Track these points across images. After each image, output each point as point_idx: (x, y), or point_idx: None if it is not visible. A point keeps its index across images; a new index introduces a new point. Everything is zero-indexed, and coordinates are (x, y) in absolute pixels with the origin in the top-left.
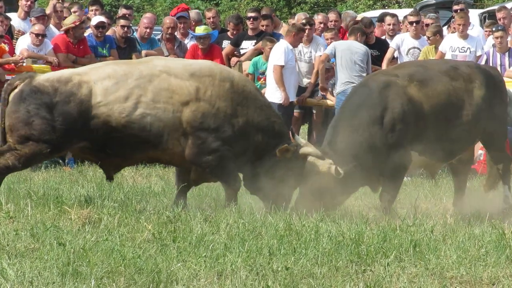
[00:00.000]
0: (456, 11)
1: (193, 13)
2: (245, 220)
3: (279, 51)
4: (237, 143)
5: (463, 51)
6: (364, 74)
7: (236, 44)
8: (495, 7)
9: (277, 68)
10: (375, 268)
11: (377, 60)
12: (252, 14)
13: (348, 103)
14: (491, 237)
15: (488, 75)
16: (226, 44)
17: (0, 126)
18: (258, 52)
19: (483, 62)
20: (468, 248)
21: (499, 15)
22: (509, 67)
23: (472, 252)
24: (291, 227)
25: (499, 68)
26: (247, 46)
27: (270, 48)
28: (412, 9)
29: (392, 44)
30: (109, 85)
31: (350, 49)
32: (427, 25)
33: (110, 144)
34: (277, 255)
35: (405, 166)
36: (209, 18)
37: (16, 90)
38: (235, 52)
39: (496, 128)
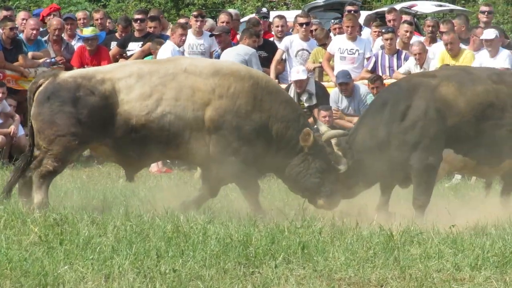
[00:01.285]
0: (350, 11)
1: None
2: (132, 222)
3: (166, 54)
4: (260, 138)
5: (351, 53)
6: None
7: (123, 45)
8: (384, 9)
9: None
10: (263, 270)
11: (266, 62)
12: (139, 16)
13: (375, 100)
14: (379, 239)
15: None
16: (114, 46)
17: (29, 127)
18: (145, 54)
19: (371, 64)
20: (356, 250)
21: (388, 17)
22: (398, 69)
23: (360, 254)
24: (178, 229)
25: (387, 71)
26: (134, 48)
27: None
28: (300, 11)
29: (281, 45)
30: (132, 83)
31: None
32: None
33: (132, 144)
34: (165, 257)
35: (432, 166)
36: (97, 20)
37: (41, 89)
38: (123, 54)
39: None
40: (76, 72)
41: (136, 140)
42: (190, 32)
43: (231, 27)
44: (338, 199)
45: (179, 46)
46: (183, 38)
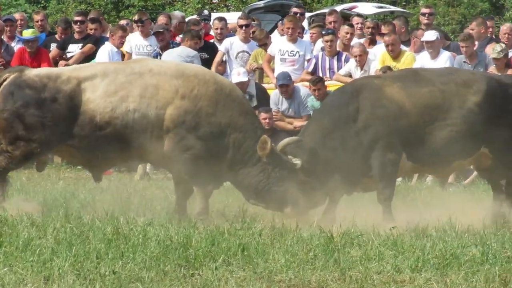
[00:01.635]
0: (296, 14)
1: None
2: (72, 224)
3: (104, 55)
4: (216, 143)
5: (292, 54)
6: None
7: (63, 47)
8: (324, 11)
9: None
10: (203, 272)
11: (206, 64)
12: (79, 18)
13: (322, 105)
14: (319, 241)
15: (494, 84)
16: (54, 48)
17: None
18: (86, 56)
19: (312, 66)
20: (296, 252)
21: (329, 18)
22: (338, 71)
23: (300, 256)
24: (118, 231)
25: (327, 72)
26: (74, 49)
27: None
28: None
29: (221, 47)
30: (97, 82)
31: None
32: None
33: (96, 143)
34: (104, 259)
35: (392, 161)
36: (37, 21)
37: (5, 84)
38: (63, 56)
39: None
40: (42, 71)
41: (101, 138)
42: (137, 33)
43: (172, 29)
44: (305, 206)
45: (118, 47)
46: (123, 40)
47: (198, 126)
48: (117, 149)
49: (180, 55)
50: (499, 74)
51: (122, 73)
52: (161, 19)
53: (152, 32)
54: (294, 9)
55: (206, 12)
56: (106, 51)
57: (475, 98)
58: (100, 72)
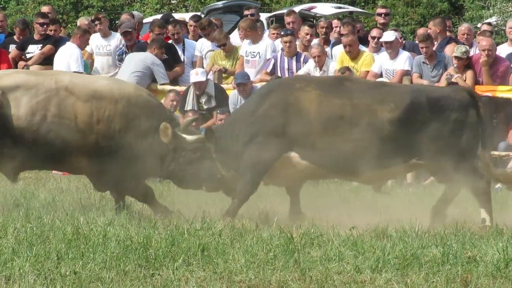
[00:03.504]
0: (246, 16)
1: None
2: (33, 224)
3: (63, 56)
4: (137, 154)
5: (253, 56)
6: None
7: (22, 48)
8: (283, 11)
9: None
10: (164, 272)
11: (166, 64)
12: (42, 20)
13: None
14: (279, 241)
15: (422, 98)
16: (13, 48)
17: None
18: (45, 56)
19: (270, 66)
20: (256, 252)
21: (288, 19)
22: (297, 72)
23: (260, 256)
24: (79, 231)
25: (286, 73)
26: (33, 50)
27: None
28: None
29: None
30: (19, 96)
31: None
32: None
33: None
34: (65, 259)
35: (260, 162)
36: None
37: None
38: (22, 56)
39: (444, 150)
40: None
41: (23, 150)
42: (97, 34)
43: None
44: (218, 182)
45: (82, 48)
46: (87, 43)
47: (115, 149)
48: (39, 162)
49: (144, 61)
50: (435, 86)
51: (41, 89)
52: (124, 18)
53: (120, 32)
54: (245, 11)
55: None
56: (66, 51)
57: (390, 115)
58: (21, 84)
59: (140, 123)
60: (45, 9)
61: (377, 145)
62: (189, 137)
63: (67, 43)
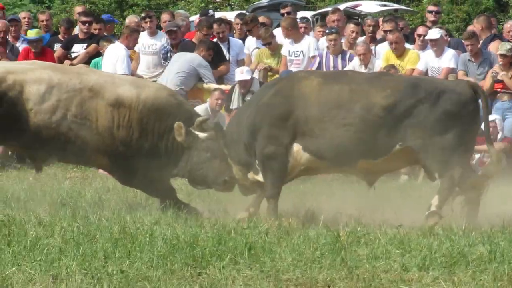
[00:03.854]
0: (283, 14)
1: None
2: (79, 223)
3: (112, 55)
4: (154, 157)
5: (296, 55)
6: None
7: (67, 47)
8: (327, 9)
9: None
10: (210, 271)
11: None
12: (85, 18)
13: None
14: (326, 240)
15: (418, 87)
16: (58, 47)
17: None
18: (91, 55)
19: (316, 65)
20: (303, 251)
21: (332, 17)
22: (342, 69)
23: (307, 255)
24: (125, 230)
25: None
26: (78, 49)
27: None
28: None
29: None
30: (42, 92)
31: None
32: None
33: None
34: (112, 258)
35: (272, 155)
36: (43, 21)
37: None
38: (68, 55)
39: (424, 140)
40: None
41: (43, 145)
42: (144, 33)
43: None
44: (230, 182)
45: (130, 48)
46: (136, 42)
47: (133, 154)
48: (59, 156)
49: (191, 62)
50: (439, 78)
51: (65, 87)
52: (165, 17)
53: (165, 31)
54: (282, 10)
55: (211, 12)
56: (113, 52)
57: (384, 102)
58: (45, 80)
59: (157, 125)
60: (78, 9)
61: (370, 131)
62: (201, 134)
63: (116, 43)
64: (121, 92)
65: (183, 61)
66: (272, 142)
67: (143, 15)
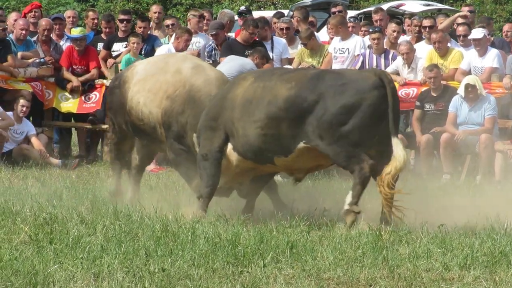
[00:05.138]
0: (334, 13)
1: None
2: (121, 221)
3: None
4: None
5: (342, 52)
6: None
7: (108, 47)
8: (371, 9)
9: None
10: (252, 269)
11: None
12: (124, 17)
13: None
14: (367, 238)
15: (322, 80)
16: (101, 46)
17: None
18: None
19: (359, 63)
20: (344, 249)
21: (375, 16)
22: (385, 69)
23: (348, 253)
24: (167, 229)
25: None
26: (118, 48)
27: (134, 43)
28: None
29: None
30: (131, 86)
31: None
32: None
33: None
34: (153, 256)
35: (206, 158)
36: (94, 19)
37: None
38: (111, 55)
39: (327, 139)
40: None
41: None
42: None
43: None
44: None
45: (182, 50)
46: (188, 43)
47: (172, 126)
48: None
49: (243, 66)
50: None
51: (161, 72)
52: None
53: (209, 34)
54: (333, 9)
55: (243, 8)
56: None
57: (286, 93)
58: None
59: (189, 116)
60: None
61: (274, 127)
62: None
63: (164, 45)
64: (183, 66)
65: (235, 64)
66: (206, 143)
67: (196, 13)
